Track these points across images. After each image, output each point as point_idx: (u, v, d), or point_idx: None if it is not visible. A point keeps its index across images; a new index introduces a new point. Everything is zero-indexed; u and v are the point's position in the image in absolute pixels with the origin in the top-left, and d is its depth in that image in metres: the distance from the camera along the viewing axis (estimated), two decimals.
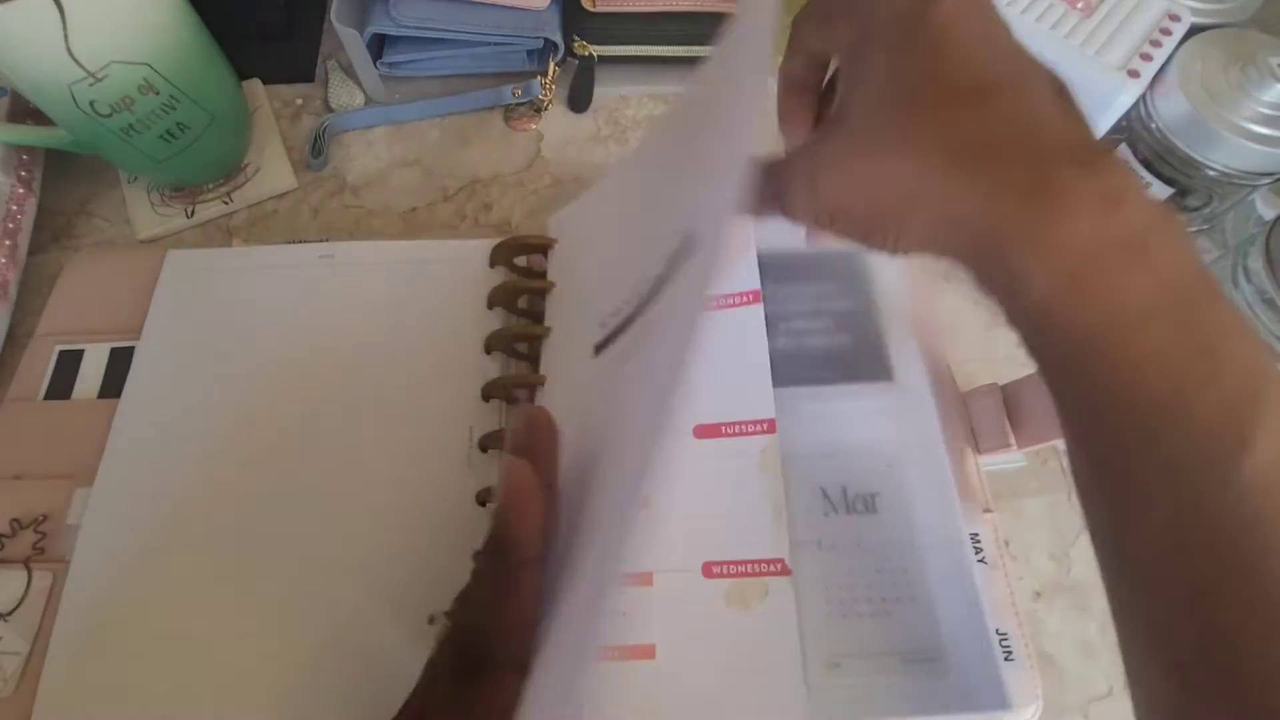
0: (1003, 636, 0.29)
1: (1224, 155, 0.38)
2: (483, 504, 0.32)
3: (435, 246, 0.38)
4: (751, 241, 0.37)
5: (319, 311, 0.37)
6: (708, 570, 0.30)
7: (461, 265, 0.38)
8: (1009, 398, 0.33)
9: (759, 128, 0.25)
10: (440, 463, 0.33)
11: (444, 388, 0.35)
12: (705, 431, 0.33)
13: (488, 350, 0.35)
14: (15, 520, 0.33)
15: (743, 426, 0.33)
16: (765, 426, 0.32)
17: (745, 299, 0.35)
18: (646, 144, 0.36)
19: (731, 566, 0.30)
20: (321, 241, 0.40)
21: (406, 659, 0.29)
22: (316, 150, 0.46)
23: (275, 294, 0.37)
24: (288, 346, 0.36)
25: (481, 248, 0.38)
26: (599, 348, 0.29)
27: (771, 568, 0.30)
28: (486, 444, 0.33)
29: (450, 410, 0.34)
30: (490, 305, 0.36)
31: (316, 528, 0.32)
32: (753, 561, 0.30)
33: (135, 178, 0.45)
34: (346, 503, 0.32)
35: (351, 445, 0.33)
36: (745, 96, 0.25)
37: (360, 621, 0.30)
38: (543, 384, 0.33)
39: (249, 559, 0.31)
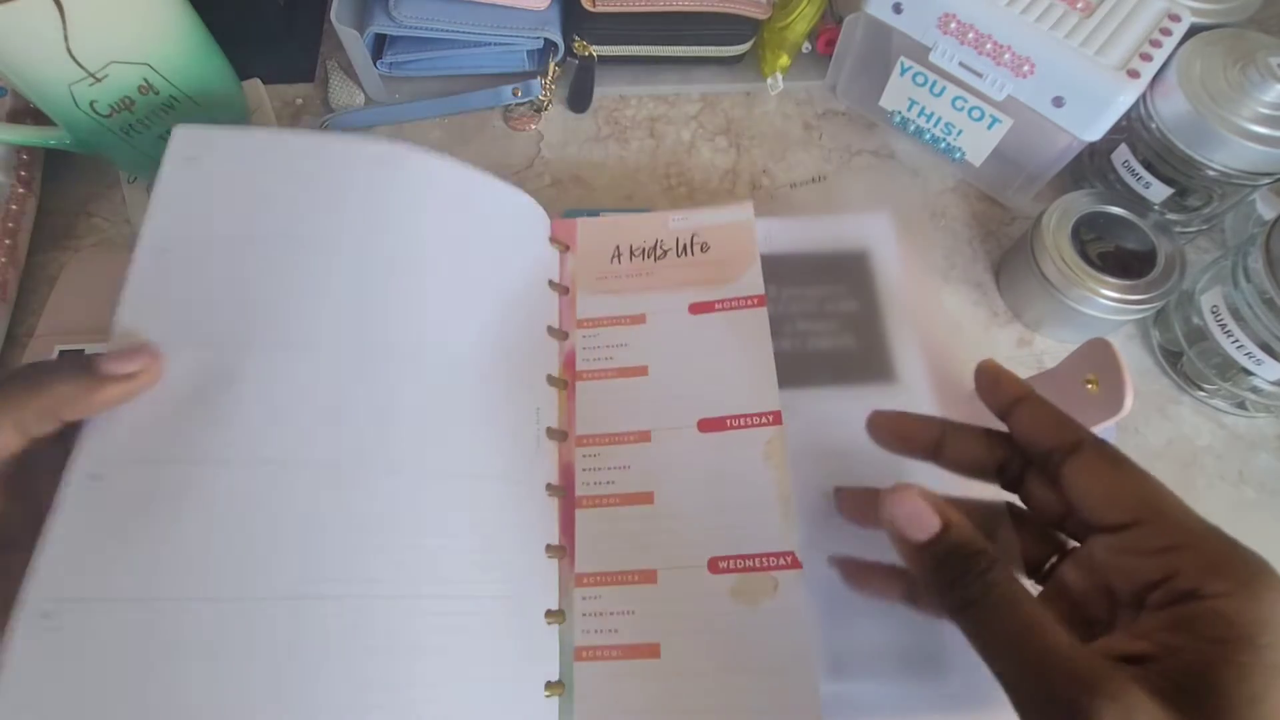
0: None
1: (1224, 155, 0.38)
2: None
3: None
4: (757, 248, 0.37)
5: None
6: (713, 566, 0.30)
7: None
8: None
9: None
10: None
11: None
12: (710, 425, 0.33)
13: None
14: None
15: (748, 419, 0.33)
16: (770, 419, 0.33)
17: (751, 302, 0.35)
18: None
19: (738, 561, 0.30)
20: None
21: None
22: None
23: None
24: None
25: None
26: None
27: (780, 561, 0.30)
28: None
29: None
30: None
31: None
32: (760, 555, 0.30)
33: (135, 178, 0.45)
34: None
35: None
36: None
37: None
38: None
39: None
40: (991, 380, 0.26)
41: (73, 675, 0.23)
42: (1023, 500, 0.26)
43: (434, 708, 0.26)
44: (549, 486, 0.32)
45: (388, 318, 0.30)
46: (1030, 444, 0.25)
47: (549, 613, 0.30)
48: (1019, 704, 0.20)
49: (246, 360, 0.28)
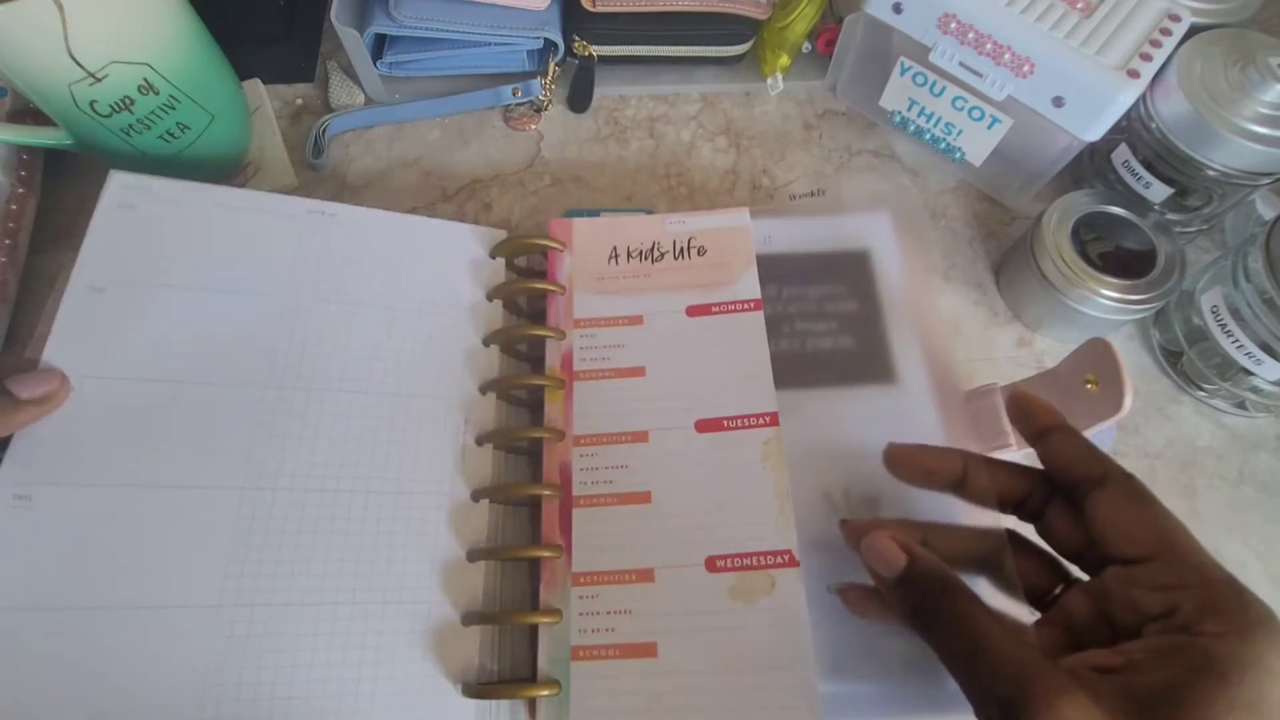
0: None
1: (1224, 155, 0.38)
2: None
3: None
4: (753, 253, 0.37)
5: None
6: (711, 565, 0.30)
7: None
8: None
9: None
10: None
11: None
12: (707, 426, 0.33)
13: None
14: None
15: (745, 420, 0.33)
16: (767, 419, 0.33)
17: (747, 306, 0.36)
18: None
19: (735, 560, 0.30)
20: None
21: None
22: (316, 150, 0.46)
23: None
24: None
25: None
26: None
27: (778, 559, 0.30)
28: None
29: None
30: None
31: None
32: (758, 554, 0.30)
33: None
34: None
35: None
36: None
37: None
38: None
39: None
40: (1025, 408, 0.27)
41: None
42: (1041, 532, 0.26)
43: (327, 703, 0.27)
44: (477, 491, 0.32)
45: (303, 357, 0.33)
46: (1059, 472, 0.25)
47: (466, 616, 0.30)
48: (976, 711, 0.21)
49: (171, 395, 0.30)
